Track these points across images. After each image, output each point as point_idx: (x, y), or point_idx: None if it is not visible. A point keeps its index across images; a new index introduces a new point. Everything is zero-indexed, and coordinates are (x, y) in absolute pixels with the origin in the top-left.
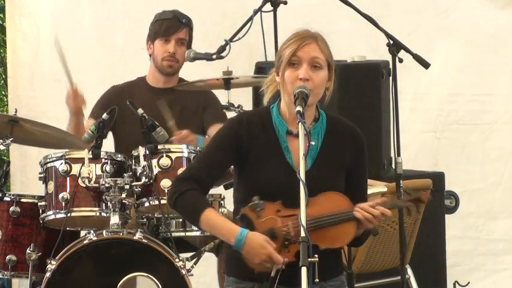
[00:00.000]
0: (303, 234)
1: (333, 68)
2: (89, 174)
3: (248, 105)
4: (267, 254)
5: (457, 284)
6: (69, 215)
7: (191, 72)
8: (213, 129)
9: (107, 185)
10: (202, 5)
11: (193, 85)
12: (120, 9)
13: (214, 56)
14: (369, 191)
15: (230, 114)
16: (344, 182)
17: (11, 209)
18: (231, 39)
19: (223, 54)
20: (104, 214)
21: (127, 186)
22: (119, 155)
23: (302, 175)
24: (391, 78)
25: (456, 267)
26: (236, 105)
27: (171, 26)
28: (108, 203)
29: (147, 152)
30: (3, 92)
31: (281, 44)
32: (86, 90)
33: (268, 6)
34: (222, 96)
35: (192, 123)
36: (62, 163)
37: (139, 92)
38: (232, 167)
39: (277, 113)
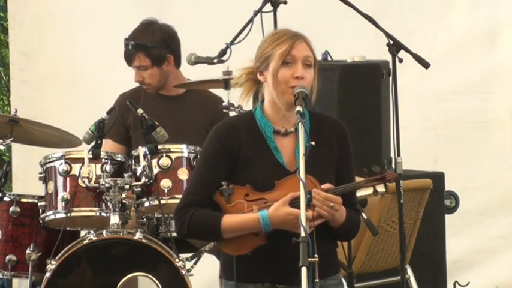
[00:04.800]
0: (302, 234)
1: (317, 67)
2: (89, 174)
3: (248, 105)
4: (296, 216)
5: (457, 284)
6: (69, 215)
7: (191, 72)
8: None
9: (107, 185)
10: (204, 5)
11: (193, 85)
12: (123, 9)
13: (215, 60)
14: (369, 191)
15: (230, 114)
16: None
17: (11, 209)
18: (231, 43)
19: (224, 58)
20: (103, 214)
21: (127, 186)
22: (119, 155)
23: (302, 175)
24: (391, 78)
25: (456, 264)
26: (236, 105)
27: (126, 57)
28: (108, 203)
29: (147, 152)
30: (3, 92)
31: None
32: (90, 91)
33: (268, 7)
34: (222, 96)
35: (193, 133)
36: (62, 163)
37: (147, 99)
38: None
39: (261, 114)
